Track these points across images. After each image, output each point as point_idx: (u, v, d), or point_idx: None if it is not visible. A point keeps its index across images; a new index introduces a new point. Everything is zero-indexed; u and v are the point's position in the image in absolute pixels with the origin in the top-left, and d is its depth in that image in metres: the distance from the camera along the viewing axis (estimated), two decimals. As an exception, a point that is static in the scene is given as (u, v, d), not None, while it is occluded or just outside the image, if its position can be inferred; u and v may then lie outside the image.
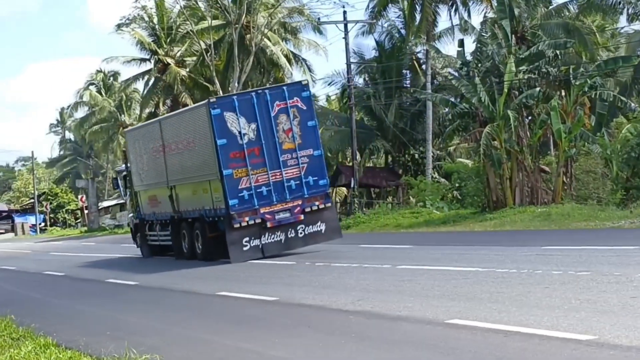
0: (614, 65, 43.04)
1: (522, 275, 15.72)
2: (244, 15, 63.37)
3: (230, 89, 66.00)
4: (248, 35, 64.82)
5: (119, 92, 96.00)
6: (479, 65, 41.24)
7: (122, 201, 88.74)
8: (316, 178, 26.90)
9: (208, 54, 65.63)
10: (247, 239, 26.21)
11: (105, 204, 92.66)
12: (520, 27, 43.91)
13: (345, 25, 53.63)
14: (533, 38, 43.91)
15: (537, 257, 19.12)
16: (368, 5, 57.22)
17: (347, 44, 53.65)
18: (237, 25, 63.60)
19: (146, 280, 22.69)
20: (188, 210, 29.42)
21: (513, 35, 41.52)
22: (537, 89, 39.31)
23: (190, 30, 67.94)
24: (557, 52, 40.84)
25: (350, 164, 58.40)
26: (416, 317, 12.19)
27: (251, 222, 25.99)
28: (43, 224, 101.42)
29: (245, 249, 26.17)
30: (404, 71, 61.82)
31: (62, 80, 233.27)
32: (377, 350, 10.47)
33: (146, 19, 74.36)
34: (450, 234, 32.97)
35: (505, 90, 38.99)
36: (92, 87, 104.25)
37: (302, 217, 26.57)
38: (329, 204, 27.45)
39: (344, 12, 53.14)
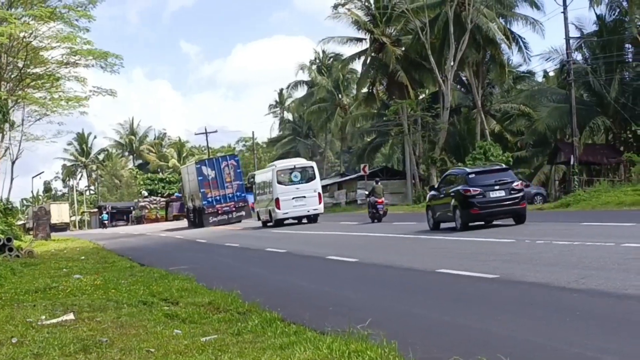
0: None
1: None
2: (460, -8, 63.08)
3: (445, 67, 65.77)
4: (464, 12, 64.31)
5: (336, 72, 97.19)
6: None
7: (339, 180, 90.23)
8: (240, 193, 62.24)
9: (423, 33, 65.57)
10: (210, 217, 61.27)
11: (324, 182, 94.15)
12: None
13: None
14: None
15: None
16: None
17: (565, 19, 52.37)
18: (452, 3, 63.24)
19: (366, 257, 22.91)
20: (195, 204, 64.62)
21: None
22: None
23: (406, 8, 68.03)
24: None
25: (570, 140, 57.09)
26: (644, 296, 11.82)
27: (212, 210, 61.43)
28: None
29: (210, 221, 60.75)
30: (626, 45, 59.89)
31: (272, 61, 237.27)
32: (603, 328, 10.24)
33: (362, -1, 75.03)
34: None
35: None
36: (313, 67, 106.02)
37: (234, 209, 61.78)
38: (246, 204, 62.42)
39: (563, -14, 51.93)
